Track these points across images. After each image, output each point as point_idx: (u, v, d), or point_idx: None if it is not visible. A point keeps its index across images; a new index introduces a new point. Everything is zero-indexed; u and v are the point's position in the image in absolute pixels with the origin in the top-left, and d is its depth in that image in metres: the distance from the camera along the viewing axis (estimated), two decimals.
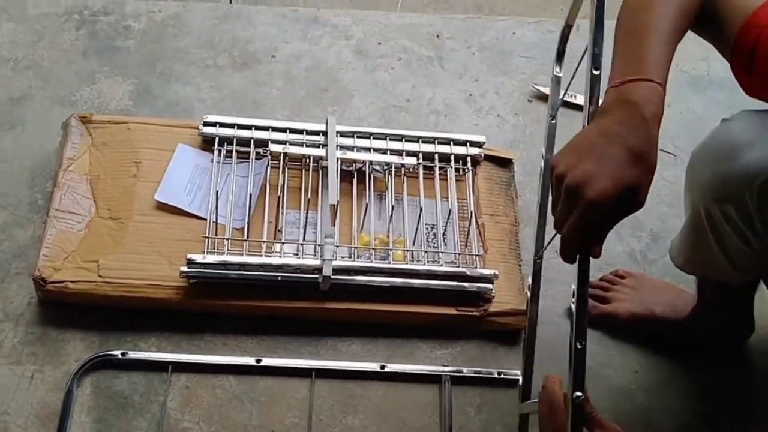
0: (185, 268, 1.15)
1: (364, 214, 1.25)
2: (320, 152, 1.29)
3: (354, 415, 1.16)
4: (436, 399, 1.19)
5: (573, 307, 0.87)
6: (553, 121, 1.08)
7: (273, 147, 1.28)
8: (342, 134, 1.33)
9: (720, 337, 1.26)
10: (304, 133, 1.32)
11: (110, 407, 1.11)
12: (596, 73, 0.84)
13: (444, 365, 1.21)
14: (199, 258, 1.15)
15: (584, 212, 0.79)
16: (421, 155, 1.33)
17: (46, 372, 1.13)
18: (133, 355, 1.15)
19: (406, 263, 1.24)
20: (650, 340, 1.28)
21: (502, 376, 1.21)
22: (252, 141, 1.30)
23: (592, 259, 1.26)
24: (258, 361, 1.17)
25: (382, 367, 1.19)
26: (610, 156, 0.79)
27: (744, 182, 0.93)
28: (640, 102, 0.81)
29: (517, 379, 1.15)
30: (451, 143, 1.35)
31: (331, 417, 1.15)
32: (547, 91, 1.55)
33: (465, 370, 1.21)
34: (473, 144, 1.36)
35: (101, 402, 1.12)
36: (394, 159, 1.32)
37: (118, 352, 1.14)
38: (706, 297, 1.21)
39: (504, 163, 1.38)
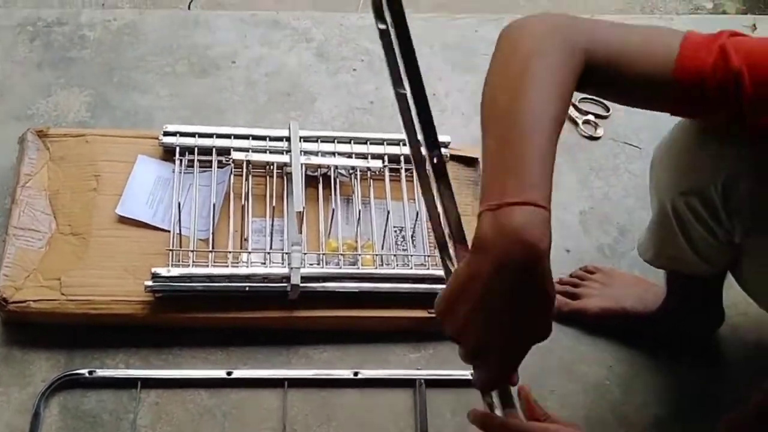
0: (150, 283, 1.13)
1: (331, 220, 1.24)
2: (284, 158, 1.28)
3: (328, 423, 1.15)
4: (411, 403, 1.18)
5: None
6: None
7: (235, 155, 1.26)
8: (306, 139, 1.31)
9: (690, 328, 1.26)
10: (267, 139, 1.30)
11: (79, 427, 1.09)
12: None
13: (418, 368, 1.20)
14: (163, 272, 1.13)
15: (489, 372, 0.75)
16: (386, 158, 1.32)
17: (11, 394, 1.11)
18: (100, 373, 1.13)
19: (376, 267, 1.23)
20: (622, 334, 1.29)
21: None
22: (214, 149, 1.28)
23: (564, 254, 1.28)
24: (229, 373, 1.15)
25: (356, 373, 1.18)
26: (500, 320, 0.70)
27: (709, 175, 0.93)
28: (524, 236, 0.68)
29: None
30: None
31: (306, 427, 1.14)
32: None
33: (439, 372, 1.20)
34: (446, 145, 1.35)
35: (70, 422, 1.09)
36: (360, 163, 1.31)
37: (85, 371, 1.12)
38: (675, 289, 1.22)
39: (470, 162, 1.38)
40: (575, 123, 1.52)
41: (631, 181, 1.46)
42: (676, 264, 1.12)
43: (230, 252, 1.20)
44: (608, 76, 0.82)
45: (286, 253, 1.19)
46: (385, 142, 1.34)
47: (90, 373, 1.12)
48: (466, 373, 1.19)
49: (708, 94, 0.81)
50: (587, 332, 1.29)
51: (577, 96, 1.57)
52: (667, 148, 1.00)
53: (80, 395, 1.12)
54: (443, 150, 1.34)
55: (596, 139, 1.52)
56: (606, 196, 1.45)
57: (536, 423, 0.80)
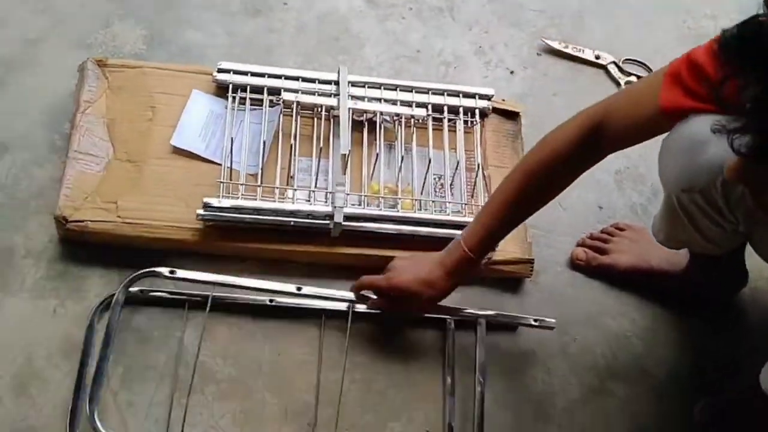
0: (201, 211, 1.19)
1: (374, 164, 1.28)
2: (332, 102, 1.32)
3: (362, 353, 1.21)
4: (439, 341, 1.24)
5: None
6: None
7: (286, 95, 1.30)
8: (353, 84, 1.35)
9: (714, 289, 1.31)
10: (316, 82, 1.35)
11: (130, 341, 1.16)
12: None
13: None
14: (215, 202, 1.19)
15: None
16: (430, 107, 1.36)
17: (68, 307, 1.18)
18: (152, 293, 1.19)
19: (414, 212, 1.28)
20: (648, 291, 1.33)
21: (499, 318, 1.26)
22: (265, 89, 1.32)
23: (597, 211, 1.32)
24: (271, 300, 1.21)
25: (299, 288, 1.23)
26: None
27: (708, 177, 0.96)
28: (452, 256, 1.14)
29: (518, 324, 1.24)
30: (461, 95, 1.38)
31: (340, 354, 1.20)
32: (556, 45, 1.58)
33: (468, 311, 1.25)
34: (482, 97, 1.39)
35: (121, 336, 1.16)
36: (405, 110, 1.35)
37: (137, 289, 1.19)
38: (698, 255, 1.25)
39: (511, 116, 1.41)
40: (617, 83, 1.55)
41: None
42: (688, 246, 1.16)
43: (277, 188, 1.25)
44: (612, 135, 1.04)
45: (330, 193, 1.24)
46: (429, 92, 1.37)
47: (142, 292, 1.19)
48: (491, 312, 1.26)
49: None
50: (613, 286, 1.34)
51: (620, 56, 1.60)
52: (670, 148, 1.01)
53: (131, 312, 1.19)
54: (486, 103, 1.38)
55: None
56: (642, 156, 1.48)
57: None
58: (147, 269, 1.18)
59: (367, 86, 1.36)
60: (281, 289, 1.20)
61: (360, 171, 1.30)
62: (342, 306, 1.22)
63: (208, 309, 1.17)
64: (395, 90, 1.37)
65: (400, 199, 1.29)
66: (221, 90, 1.33)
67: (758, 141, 0.70)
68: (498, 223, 1.11)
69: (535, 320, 1.26)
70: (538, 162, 1.08)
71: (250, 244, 1.23)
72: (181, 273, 1.18)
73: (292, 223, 1.22)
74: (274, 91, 1.32)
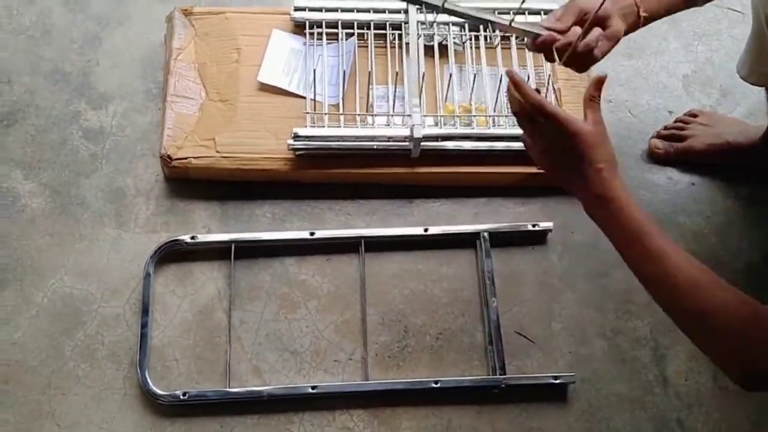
0: (291, 141, 1.28)
1: (449, 84, 1.34)
2: (402, 20, 1.38)
3: (400, 280, 1.30)
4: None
5: None
6: None
7: (359, 26, 1.38)
8: (420, 11, 1.40)
9: None
10: (387, 11, 1.41)
11: (238, 265, 1.27)
12: None
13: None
14: (303, 131, 1.28)
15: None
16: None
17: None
18: (200, 238, 1.27)
19: (489, 128, 1.34)
20: (723, 182, 1.38)
21: (536, 228, 1.32)
22: (339, 23, 1.39)
23: (666, 116, 1.32)
24: (312, 233, 1.29)
25: (426, 230, 1.30)
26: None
27: None
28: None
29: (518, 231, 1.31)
30: (526, 13, 1.42)
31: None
32: None
33: (500, 226, 1.31)
34: (547, 12, 1.42)
35: (228, 262, 1.27)
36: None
37: (187, 236, 1.27)
38: None
39: None
40: None
41: (733, 46, 1.51)
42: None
43: (358, 114, 1.33)
44: None
45: (407, 115, 1.32)
46: (495, 11, 1.42)
47: (192, 238, 1.26)
48: (527, 224, 1.32)
49: None
50: (685, 187, 1.38)
51: None
52: None
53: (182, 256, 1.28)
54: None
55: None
56: (709, 60, 1.51)
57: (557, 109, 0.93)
58: (169, 240, 1.26)
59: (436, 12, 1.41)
60: (296, 237, 1.27)
61: (434, 93, 1.37)
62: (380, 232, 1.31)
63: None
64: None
65: (474, 116, 1.35)
66: (298, 28, 1.41)
67: None
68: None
69: (533, 225, 1.31)
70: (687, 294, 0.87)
71: (337, 169, 1.31)
72: (201, 237, 1.26)
73: (375, 146, 1.30)
74: (348, 25, 1.39)
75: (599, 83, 0.94)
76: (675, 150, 1.38)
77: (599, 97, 0.94)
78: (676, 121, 1.41)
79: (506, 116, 1.35)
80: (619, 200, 0.89)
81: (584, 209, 0.94)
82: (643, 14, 1.04)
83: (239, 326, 1.23)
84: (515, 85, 0.94)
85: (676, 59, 1.51)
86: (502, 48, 1.40)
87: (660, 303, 0.89)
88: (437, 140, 1.32)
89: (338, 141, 1.29)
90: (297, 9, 1.40)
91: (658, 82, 1.48)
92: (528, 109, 0.93)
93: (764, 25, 1.07)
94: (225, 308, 1.24)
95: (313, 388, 1.18)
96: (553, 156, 0.95)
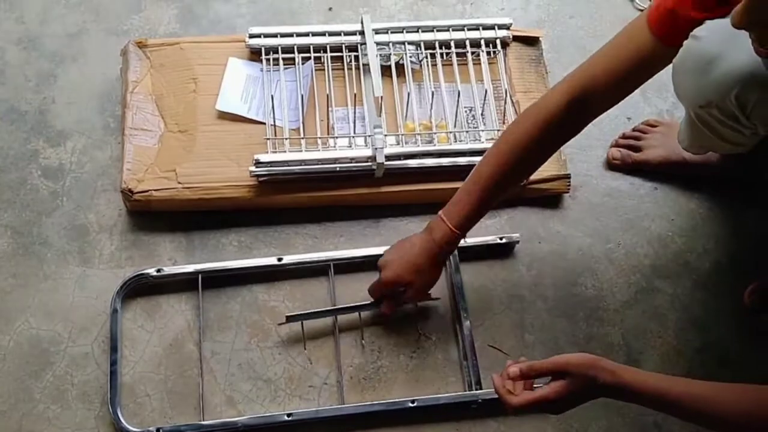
0: (253, 168, 1.27)
1: (407, 103, 1.35)
2: (359, 47, 1.38)
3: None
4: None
5: None
6: None
7: (315, 52, 1.38)
8: (377, 32, 1.41)
9: (749, 174, 1.35)
10: (342, 34, 1.41)
11: (206, 295, 1.26)
12: None
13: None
14: (264, 157, 1.27)
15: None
16: (453, 43, 1.42)
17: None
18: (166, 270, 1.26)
19: (450, 144, 1.35)
20: (683, 185, 1.39)
21: (504, 240, 1.32)
22: (295, 47, 1.39)
23: (625, 122, 1.36)
24: (279, 259, 1.28)
25: None
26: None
27: (721, 92, 1.01)
28: (435, 236, 1.15)
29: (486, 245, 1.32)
30: (480, 28, 1.43)
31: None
32: None
33: (467, 241, 1.28)
34: (501, 27, 1.44)
35: (196, 293, 1.26)
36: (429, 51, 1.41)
37: (152, 270, 1.27)
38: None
39: (532, 41, 1.47)
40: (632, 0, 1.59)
41: None
42: (712, 150, 1.21)
43: (319, 138, 1.33)
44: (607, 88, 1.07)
45: (369, 136, 1.32)
46: (450, 29, 1.43)
47: (158, 271, 1.25)
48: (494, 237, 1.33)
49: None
50: (649, 191, 1.40)
51: None
52: (681, 67, 1.05)
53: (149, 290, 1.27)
54: (506, 32, 1.44)
55: None
56: None
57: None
58: (135, 274, 1.25)
59: (390, 32, 1.42)
60: (264, 263, 1.27)
61: (394, 113, 1.37)
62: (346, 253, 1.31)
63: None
64: (417, 32, 1.42)
65: (435, 133, 1.35)
66: (255, 54, 1.41)
67: None
68: (485, 196, 1.12)
69: (501, 237, 1.32)
70: (524, 132, 1.08)
71: (301, 193, 1.31)
72: (167, 269, 1.25)
73: (337, 168, 1.30)
74: (304, 49, 1.39)
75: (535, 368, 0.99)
76: (632, 161, 1.39)
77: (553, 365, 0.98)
78: (634, 130, 1.43)
79: (467, 131, 1.36)
80: (626, 387, 0.94)
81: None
82: (456, 232, 1.14)
83: (211, 357, 1.22)
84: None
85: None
86: (459, 65, 1.41)
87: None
88: (400, 159, 1.32)
89: (300, 165, 1.29)
90: (252, 36, 1.40)
91: None
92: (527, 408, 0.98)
93: (695, 119, 1.11)
94: (195, 340, 1.23)
95: (288, 415, 1.16)
96: (565, 407, 0.98)
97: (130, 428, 1.14)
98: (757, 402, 0.90)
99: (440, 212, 1.15)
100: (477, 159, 1.31)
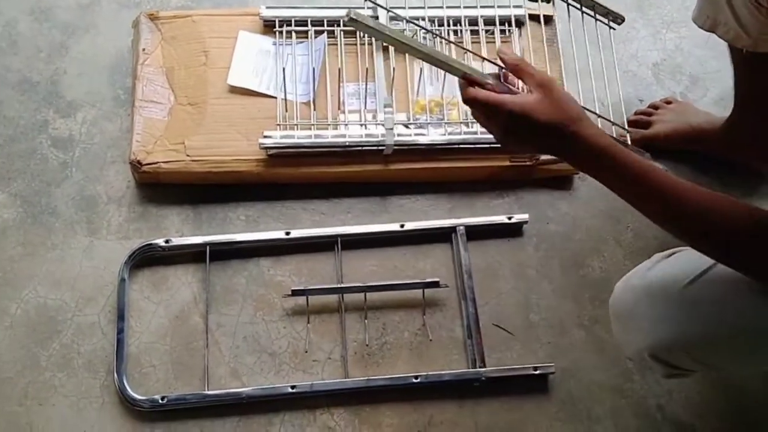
0: (263, 140, 1.27)
1: (419, 80, 1.34)
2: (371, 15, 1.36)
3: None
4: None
5: None
6: None
7: (329, 24, 1.37)
8: (391, 8, 1.40)
9: (755, 149, 1.33)
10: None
11: (213, 268, 1.26)
12: None
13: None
14: (273, 133, 1.27)
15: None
16: (466, 20, 1.41)
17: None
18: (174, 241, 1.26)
19: (461, 122, 1.34)
20: (695, 167, 1.38)
21: (512, 220, 1.31)
22: (309, 20, 1.39)
23: (638, 104, 1.32)
24: (287, 233, 1.28)
25: (402, 226, 1.30)
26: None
27: None
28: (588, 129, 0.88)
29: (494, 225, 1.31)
30: (495, 5, 1.42)
31: (405, 264, 1.29)
32: None
33: (476, 220, 1.31)
34: (516, 6, 1.42)
35: (203, 266, 1.26)
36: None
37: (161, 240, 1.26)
38: (741, 101, 1.27)
39: (546, 21, 1.45)
40: None
41: (702, 33, 1.49)
42: (717, 27, 1.13)
43: (330, 123, 1.31)
44: None
45: (380, 123, 1.30)
46: (461, 5, 1.42)
47: (166, 241, 1.26)
48: (502, 217, 1.32)
49: None
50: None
51: None
52: None
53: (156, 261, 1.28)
54: (521, 11, 1.42)
55: None
56: (677, 47, 1.51)
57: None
58: (144, 244, 1.25)
59: (407, 7, 1.41)
60: (271, 237, 1.27)
61: (405, 89, 1.36)
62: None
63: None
64: (424, 7, 1.40)
65: (447, 111, 1.35)
66: (267, 28, 1.40)
67: None
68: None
69: (509, 217, 1.31)
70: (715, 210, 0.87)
71: (309, 168, 1.30)
72: (175, 240, 1.25)
73: (347, 143, 1.29)
74: (318, 22, 1.39)
75: (504, 52, 0.92)
76: (640, 137, 1.37)
77: (519, 60, 0.91)
78: (649, 106, 1.42)
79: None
80: (605, 151, 0.86)
81: (577, 169, 0.92)
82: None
83: (216, 330, 1.22)
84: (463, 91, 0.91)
85: (645, 47, 1.52)
86: (472, 42, 1.40)
87: (674, 234, 0.90)
88: (410, 136, 1.31)
89: (310, 139, 1.29)
90: (269, 7, 1.39)
91: (628, 70, 1.49)
92: (475, 107, 0.91)
93: None
94: (201, 312, 1.23)
95: (292, 387, 1.17)
96: (525, 139, 0.90)
97: (136, 396, 1.15)
98: (751, 218, 0.83)
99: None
100: (487, 137, 1.31)
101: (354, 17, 0.88)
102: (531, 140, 0.90)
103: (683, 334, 0.95)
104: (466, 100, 0.91)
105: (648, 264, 1.03)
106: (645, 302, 1.00)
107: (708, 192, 0.86)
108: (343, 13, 1.37)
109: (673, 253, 1.02)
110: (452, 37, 1.40)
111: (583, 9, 1.36)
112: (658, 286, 0.99)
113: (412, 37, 1.38)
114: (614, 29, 1.37)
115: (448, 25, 1.41)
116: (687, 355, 0.97)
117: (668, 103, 1.41)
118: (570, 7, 1.35)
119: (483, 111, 0.91)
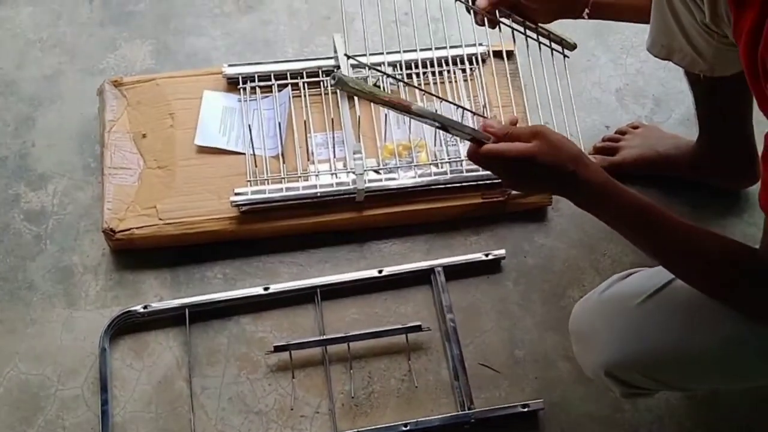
0: (234, 198, 1.27)
1: (385, 125, 1.35)
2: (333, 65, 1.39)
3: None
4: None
5: None
6: None
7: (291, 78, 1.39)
8: (352, 56, 1.41)
9: (722, 169, 1.34)
10: (316, 60, 1.42)
11: (194, 330, 1.25)
12: None
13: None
14: (244, 189, 1.27)
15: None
16: (429, 62, 1.42)
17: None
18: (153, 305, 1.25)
19: (430, 163, 1.35)
20: (666, 190, 1.38)
21: (489, 257, 1.31)
22: (272, 75, 1.40)
23: (604, 130, 1.33)
24: (266, 288, 1.28)
25: (380, 271, 1.30)
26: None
27: None
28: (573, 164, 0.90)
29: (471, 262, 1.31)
30: (463, 44, 1.43)
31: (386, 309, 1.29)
32: None
33: (453, 260, 1.31)
34: (480, 44, 1.43)
35: (183, 328, 1.26)
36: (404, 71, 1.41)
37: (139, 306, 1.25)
38: (706, 127, 1.28)
39: (509, 56, 1.46)
40: None
41: None
42: (673, 54, 1.14)
43: (300, 175, 1.32)
44: None
45: (350, 171, 1.31)
46: (428, 47, 1.43)
47: (144, 307, 1.25)
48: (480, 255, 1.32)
49: None
50: None
51: None
52: None
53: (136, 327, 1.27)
54: (483, 48, 1.43)
55: None
56: (639, 71, 1.53)
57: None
58: (122, 311, 1.24)
59: (368, 53, 1.42)
60: (250, 294, 1.27)
61: (373, 135, 1.37)
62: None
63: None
64: (382, 53, 1.41)
65: (415, 154, 1.35)
66: (231, 85, 1.41)
67: None
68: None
69: (486, 254, 1.32)
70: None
71: (283, 222, 1.31)
72: (155, 305, 1.25)
73: (318, 194, 1.30)
74: (281, 76, 1.40)
75: (491, 125, 0.94)
76: (608, 164, 1.37)
77: (506, 128, 0.93)
78: (616, 132, 1.43)
79: (446, 149, 1.36)
80: (604, 188, 0.89)
81: (581, 207, 0.94)
82: None
83: (201, 393, 1.21)
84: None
85: (607, 74, 1.53)
86: (439, 83, 1.41)
87: (671, 269, 0.92)
88: (381, 182, 1.32)
89: (281, 192, 1.29)
90: (231, 65, 1.40)
91: (592, 98, 1.50)
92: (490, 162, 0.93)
93: None
94: (185, 376, 1.22)
95: None
96: (528, 182, 0.95)
97: None
98: (722, 247, 0.87)
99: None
100: (458, 176, 1.33)
101: (341, 77, 0.89)
102: (536, 183, 0.94)
103: (633, 352, 0.96)
104: (479, 159, 0.93)
105: (605, 285, 1.04)
106: (600, 321, 1.01)
107: (705, 230, 0.89)
108: (306, 65, 1.41)
109: (630, 274, 1.03)
110: (416, 81, 1.42)
111: (538, 38, 1.36)
112: (612, 304, 1.00)
113: (375, 83, 1.40)
114: (567, 57, 1.37)
115: (411, 69, 1.42)
116: (639, 373, 0.97)
117: (635, 128, 1.42)
118: (528, 39, 1.36)
119: (495, 163, 0.93)
